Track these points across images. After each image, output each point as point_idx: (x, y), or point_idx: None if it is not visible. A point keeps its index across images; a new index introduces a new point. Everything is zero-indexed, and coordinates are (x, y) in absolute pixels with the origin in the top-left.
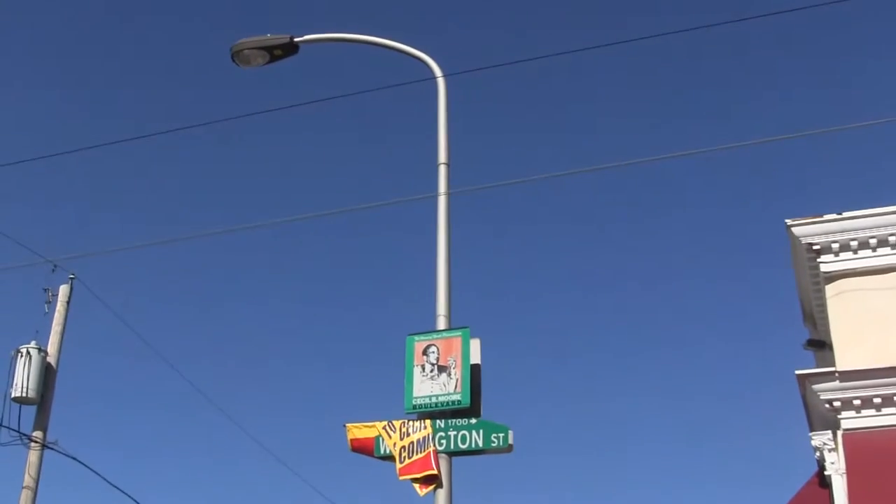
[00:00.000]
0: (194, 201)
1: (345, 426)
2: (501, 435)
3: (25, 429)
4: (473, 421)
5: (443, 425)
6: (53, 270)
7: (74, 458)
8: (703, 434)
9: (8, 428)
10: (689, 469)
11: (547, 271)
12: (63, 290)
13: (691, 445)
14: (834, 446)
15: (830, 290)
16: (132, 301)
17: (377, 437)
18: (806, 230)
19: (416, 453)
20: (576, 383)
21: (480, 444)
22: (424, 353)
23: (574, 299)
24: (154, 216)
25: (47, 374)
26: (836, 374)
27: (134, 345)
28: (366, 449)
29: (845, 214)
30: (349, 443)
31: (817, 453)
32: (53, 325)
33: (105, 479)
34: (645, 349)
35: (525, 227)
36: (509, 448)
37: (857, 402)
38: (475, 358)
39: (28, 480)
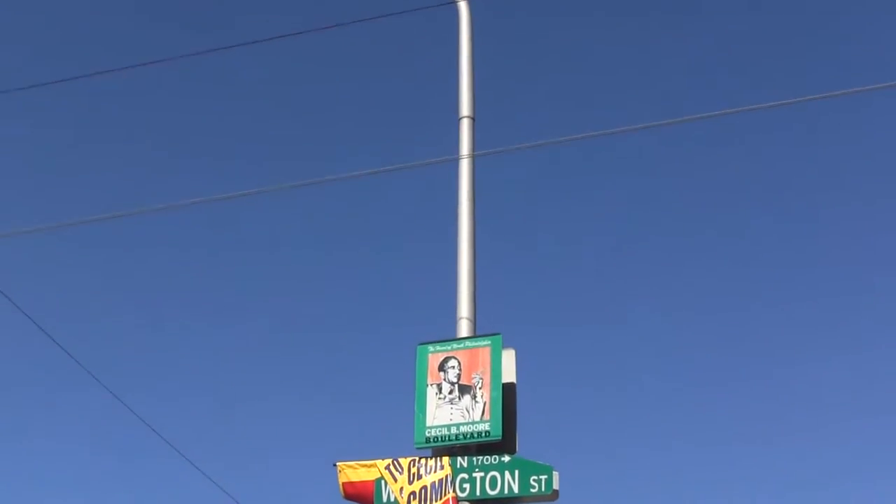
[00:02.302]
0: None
1: (336, 466)
2: (544, 478)
3: None
4: (507, 459)
5: (466, 465)
6: None
7: None
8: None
9: None
10: None
11: (607, 257)
12: None
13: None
14: None
15: None
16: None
17: (378, 481)
18: None
19: (431, 502)
20: (639, 412)
21: (516, 489)
22: (441, 368)
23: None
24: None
25: None
26: None
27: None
28: (363, 496)
29: None
30: (341, 488)
31: None
32: None
33: None
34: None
35: (573, 204)
36: (554, 495)
37: None
38: (509, 375)
39: None
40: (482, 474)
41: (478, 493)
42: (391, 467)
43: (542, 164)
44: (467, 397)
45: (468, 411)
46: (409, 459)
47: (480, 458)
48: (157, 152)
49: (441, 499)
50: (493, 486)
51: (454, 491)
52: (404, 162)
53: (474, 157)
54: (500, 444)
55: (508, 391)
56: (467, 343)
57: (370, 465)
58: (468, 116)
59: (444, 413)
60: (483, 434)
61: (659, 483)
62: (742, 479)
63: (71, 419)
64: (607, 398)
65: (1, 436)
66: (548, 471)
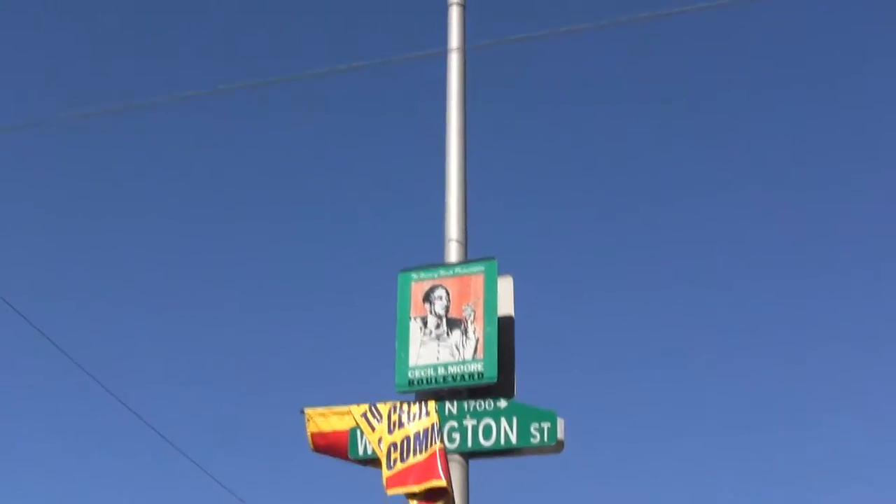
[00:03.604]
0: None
1: (303, 412)
2: (546, 426)
3: None
4: (503, 404)
5: (455, 411)
6: None
7: None
8: None
9: None
10: None
11: (614, 171)
12: None
13: None
14: None
15: None
16: None
17: (353, 430)
18: None
19: (415, 454)
20: (650, 343)
21: (514, 439)
22: (427, 298)
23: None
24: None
25: None
26: None
27: None
28: (335, 448)
29: None
30: (309, 438)
31: None
32: None
33: None
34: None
35: (580, 104)
36: (558, 446)
37: None
38: (506, 306)
39: None
40: (474, 422)
41: (469, 443)
42: (368, 414)
43: (544, 59)
44: (457, 332)
45: (458, 349)
46: (388, 405)
47: (472, 402)
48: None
49: (426, 450)
50: (487, 436)
51: (442, 441)
52: (388, 55)
53: (465, 50)
54: (496, 386)
55: (505, 325)
56: (457, 269)
57: (343, 413)
58: (458, 3)
59: (429, 351)
60: (475, 375)
61: (673, 429)
62: (762, 417)
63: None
64: (617, 333)
65: None
66: (551, 417)
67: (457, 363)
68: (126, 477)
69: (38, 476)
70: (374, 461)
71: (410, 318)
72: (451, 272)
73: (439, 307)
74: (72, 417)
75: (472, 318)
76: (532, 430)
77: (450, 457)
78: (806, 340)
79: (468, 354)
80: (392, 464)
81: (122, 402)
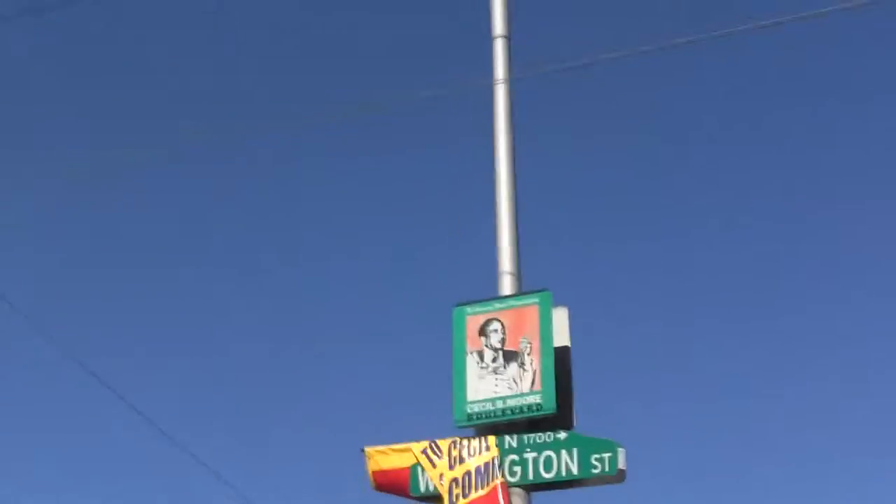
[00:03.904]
0: None
1: (363, 451)
2: (607, 456)
3: None
4: (563, 435)
5: (515, 444)
6: None
7: None
8: None
9: None
10: None
11: (676, 197)
12: None
13: None
14: None
15: None
16: None
17: (414, 467)
18: None
19: (476, 489)
20: (716, 371)
21: (575, 470)
22: (482, 332)
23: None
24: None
25: None
26: None
27: None
28: (397, 485)
29: None
30: (371, 477)
31: None
32: None
33: None
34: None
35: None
36: (619, 475)
37: None
38: (562, 337)
39: None
40: (535, 454)
41: (531, 476)
42: (428, 451)
43: (590, 86)
44: (514, 365)
45: (515, 382)
46: (448, 441)
47: (532, 435)
48: None
49: (488, 485)
50: (548, 468)
51: (503, 475)
52: (433, 87)
53: (511, 83)
54: (555, 418)
55: (561, 356)
56: (511, 302)
57: (404, 450)
58: (503, 36)
59: (487, 385)
60: (534, 407)
61: (736, 457)
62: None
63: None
64: (678, 361)
65: None
66: (612, 447)
67: (515, 396)
68: None
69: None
70: (436, 498)
71: (467, 352)
72: (505, 305)
73: (495, 340)
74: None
75: (528, 350)
76: (593, 460)
77: (511, 490)
78: None
79: (526, 387)
80: (454, 500)
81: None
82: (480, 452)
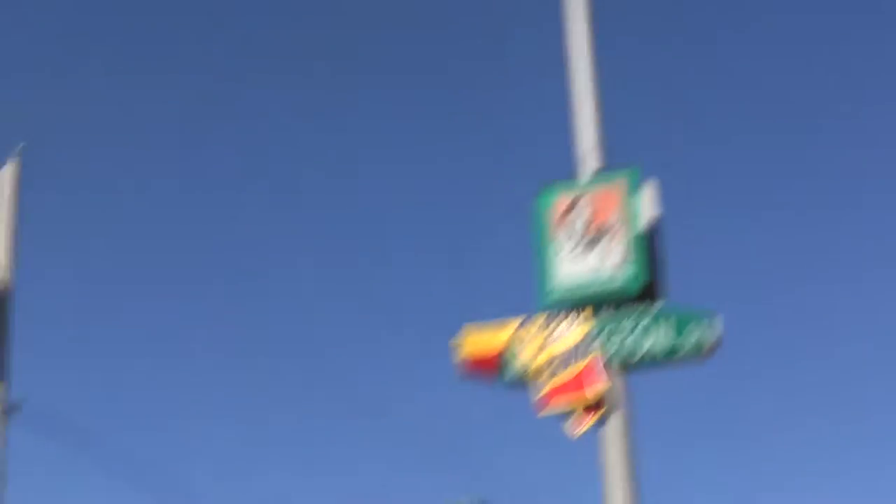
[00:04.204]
0: None
1: (455, 337)
2: (702, 327)
3: None
4: (656, 309)
5: (606, 321)
6: None
7: (55, 426)
8: None
9: None
10: None
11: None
12: (8, 172)
13: None
14: None
15: None
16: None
17: (506, 350)
18: None
19: (571, 367)
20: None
21: (670, 343)
22: (568, 213)
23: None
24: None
25: None
26: None
27: (116, 236)
28: (489, 369)
29: None
30: (463, 361)
31: None
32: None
33: (98, 450)
34: None
35: None
36: (714, 346)
37: None
38: (650, 213)
39: None
40: (628, 330)
41: (625, 351)
42: (520, 333)
43: None
44: (603, 243)
45: (605, 259)
46: (540, 321)
47: (624, 311)
48: None
49: (582, 362)
50: (642, 342)
51: (597, 352)
52: None
53: None
54: (646, 292)
55: (651, 232)
56: (598, 180)
57: (496, 333)
58: None
59: (576, 265)
60: (624, 283)
61: (833, 326)
62: None
63: None
64: (771, 226)
65: None
66: (706, 318)
67: (604, 274)
68: None
69: None
70: (529, 379)
71: (554, 233)
72: (592, 184)
73: (583, 220)
74: None
75: (616, 227)
76: (687, 332)
77: (606, 366)
78: None
79: (615, 263)
80: (549, 379)
81: None
82: (572, 331)
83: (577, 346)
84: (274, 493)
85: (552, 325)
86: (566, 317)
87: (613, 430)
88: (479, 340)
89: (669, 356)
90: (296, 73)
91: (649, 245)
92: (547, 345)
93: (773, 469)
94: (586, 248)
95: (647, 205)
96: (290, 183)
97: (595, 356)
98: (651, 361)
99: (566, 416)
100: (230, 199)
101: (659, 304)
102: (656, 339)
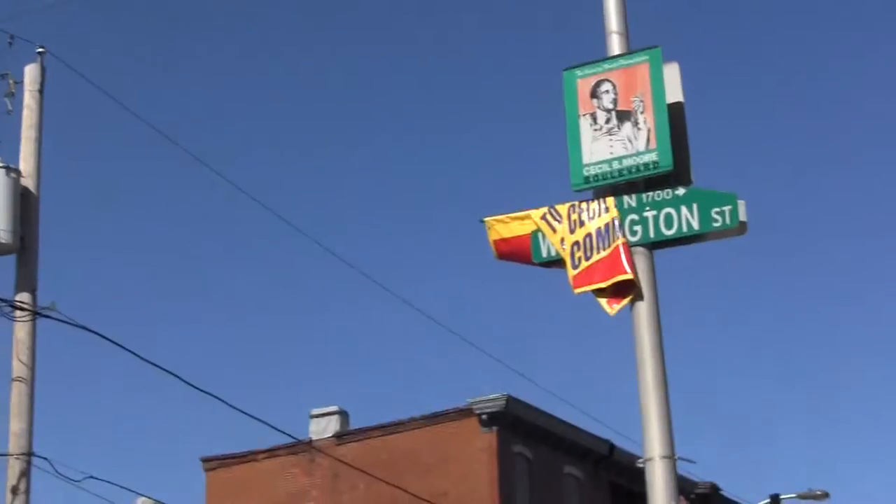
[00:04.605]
0: None
1: (483, 221)
2: (728, 208)
3: (4, 291)
4: (682, 191)
5: (634, 203)
6: (11, 43)
7: (83, 327)
8: None
9: None
10: None
11: None
12: (30, 72)
13: None
14: None
15: None
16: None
17: (535, 233)
18: None
19: (598, 250)
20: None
21: (695, 225)
22: (594, 94)
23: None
24: None
25: (26, 205)
26: None
27: (142, 138)
28: (519, 253)
29: None
30: (493, 246)
31: None
32: (24, 128)
33: (131, 352)
34: None
35: None
36: (740, 228)
37: None
38: (674, 93)
39: (19, 368)
40: (654, 212)
41: (651, 234)
42: (548, 216)
43: None
44: (628, 124)
45: (630, 141)
46: (567, 205)
47: (651, 193)
48: None
49: (609, 246)
50: (668, 225)
51: (624, 235)
52: None
53: None
54: (672, 175)
55: (675, 112)
56: (621, 61)
57: (523, 217)
58: None
59: (602, 146)
60: (651, 165)
61: (863, 208)
62: None
63: None
64: (797, 109)
65: None
66: (731, 200)
67: (631, 155)
68: None
69: None
70: (558, 262)
71: (579, 115)
72: (615, 65)
73: (607, 101)
74: None
75: (641, 108)
76: (713, 214)
77: (633, 249)
78: None
79: (641, 145)
80: (577, 263)
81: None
82: (600, 214)
83: (604, 229)
84: None
85: (580, 208)
86: (594, 197)
87: (643, 312)
88: (509, 225)
89: (694, 238)
90: None
91: (674, 126)
92: (575, 228)
93: (792, 347)
94: (613, 129)
95: (672, 85)
96: None
97: (622, 240)
98: (677, 242)
99: (600, 295)
100: None
101: (684, 187)
102: (681, 222)
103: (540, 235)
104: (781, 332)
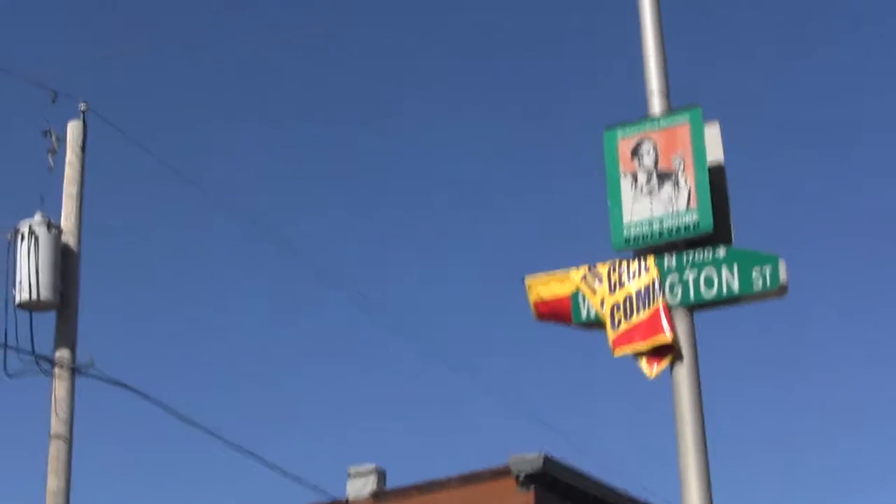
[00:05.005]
0: None
1: (524, 282)
2: (768, 269)
3: (43, 348)
4: (722, 252)
5: (675, 264)
6: (54, 101)
7: (122, 385)
8: None
9: (17, 350)
10: None
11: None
12: (73, 129)
13: None
14: None
15: None
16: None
17: (574, 294)
18: None
19: (638, 311)
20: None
21: (736, 287)
22: (635, 154)
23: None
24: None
25: (66, 262)
26: None
27: (186, 200)
28: (559, 314)
29: None
30: (533, 307)
31: None
32: (65, 184)
33: (170, 411)
34: None
35: None
36: (781, 290)
37: None
38: (715, 153)
39: (57, 425)
40: (695, 273)
41: (692, 296)
42: (588, 277)
43: None
44: (668, 185)
45: (671, 201)
46: (607, 265)
47: (691, 254)
48: None
49: (650, 307)
50: (709, 286)
51: (664, 296)
52: None
53: None
54: (713, 235)
55: (716, 173)
56: (662, 121)
57: (563, 278)
58: None
59: (643, 206)
60: (691, 226)
61: None
62: None
63: None
64: (837, 169)
65: None
66: (773, 261)
67: (671, 216)
68: None
69: None
70: (598, 323)
71: (620, 175)
72: (656, 124)
73: (648, 161)
74: None
75: (682, 168)
76: (754, 275)
77: (673, 311)
78: None
79: (682, 206)
80: (617, 324)
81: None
82: (640, 275)
83: (644, 290)
84: None
85: (621, 268)
86: (634, 258)
87: (683, 374)
88: (549, 284)
89: (735, 300)
90: None
91: (715, 187)
92: (615, 288)
93: (832, 409)
94: (653, 190)
95: (713, 145)
96: None
97: (662, 301)
98: (717, 304)
99: (640, 357)
100: None
101: (724, 248)
102: (721, 283)
103: (580, 296)
104: (822, 394)
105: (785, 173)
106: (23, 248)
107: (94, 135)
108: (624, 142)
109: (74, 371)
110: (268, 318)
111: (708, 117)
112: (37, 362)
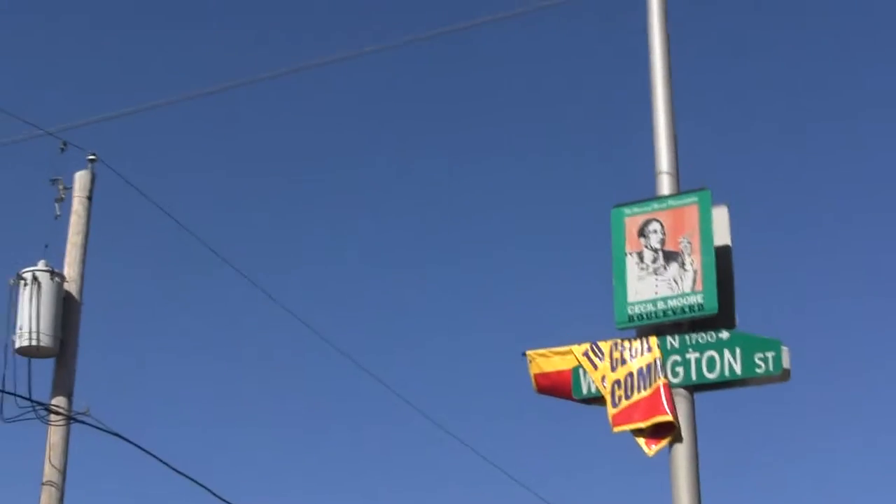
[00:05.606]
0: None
1: (525, 355)
2: (771, 355)
3: (41, 395)
4: (726, 335)
5: (677, 345)
6: (63, 150)
7: (116, 434)
8: None
9: (14, 395)
10: None
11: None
12: (81, 178)
13: None
14: None
15: None
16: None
17: (576, 369)
18: None
19: (639, 390)
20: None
21: (738, 370)
22: (642, 233)
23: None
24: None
25: (67, 310)
26: None
27: (190, 253)
28: (559, 388)
29: None
30: (533, 380)
31: None
32: (70, 233)
33: (163, 462)
34: None
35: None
36: (784, 375)
37: None
38: (722, 236)
39: (50, 472)
40: (697, 355)
41: (693, 377)
42: (590, 353)
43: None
44: (674, 265)
45: (676, 282)
46: (610, 342)
47: (694, 335)
48: None
49: (650, 386)
50: (711, 368)
51: (665, 376)
52: None
53: None
54: (717, 318)
55: (722, 255)
56: (670, 202)
57: (565, 353)
58: None
59: (647, 286)
60: (696, 307)
61: None
62: None
63: None
64: (841, 258)
65: None
66: (775, 346)
67: (676, 296)
68: None
69: None
70: (598, 399)
71: (626, 253)
72: (664, 205)
73: (655, 241)
74: None
75: (688, 249)
76: (756, 359)
77: (674, 391)
78: None
79: (687, 287)
80: (617, 401)
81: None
82: (642, 353)
83: (646, 369)
84: None
85: (623, 346)
86: (637, 337)
87: (681, 454)
88: (551, 359)
89: (737, 383)
90: None
91: (720, 269)
92: (617, 366)
93: (838, 492)
94: (659, 270)
95: (721, 227)
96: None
97: (663, 380)
98: (719, 386)
99: (639, 436)
100: None
101: (728, 331)
102: (724, 366)
103: (581, 371)
104: (823, 478)
105: (790, 259)
106: (25, 294)
107: (102, 186)
108: (631, 220)
109: (70, 419)
110: (272, 382)
111: (717, 200)
112: (33, 408)
